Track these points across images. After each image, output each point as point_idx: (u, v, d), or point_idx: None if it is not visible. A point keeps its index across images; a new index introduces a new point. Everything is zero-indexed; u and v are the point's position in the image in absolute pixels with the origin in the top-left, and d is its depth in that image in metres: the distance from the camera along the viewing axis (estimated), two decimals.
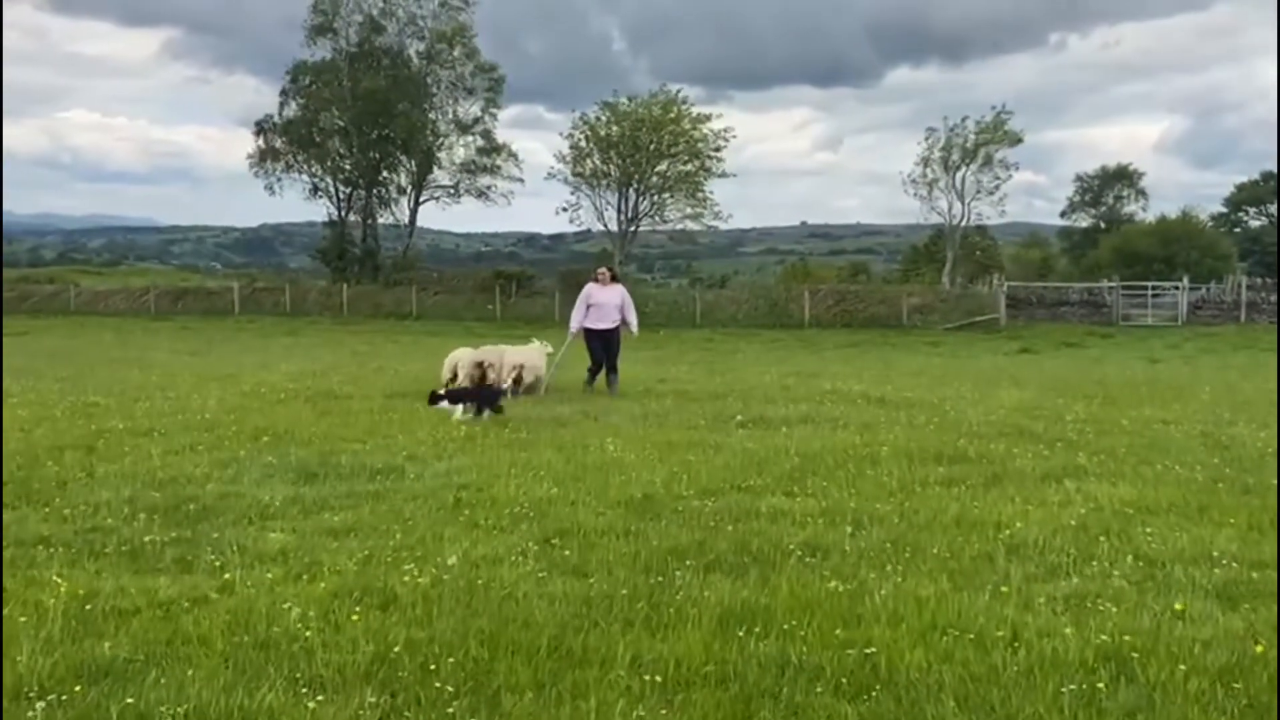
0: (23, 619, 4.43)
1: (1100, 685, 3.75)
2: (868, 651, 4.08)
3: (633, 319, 14.31)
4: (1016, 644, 4.22)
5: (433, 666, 3.94)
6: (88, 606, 4.65)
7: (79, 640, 4.25)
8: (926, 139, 48.37)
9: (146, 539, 5.88)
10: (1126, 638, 4.15)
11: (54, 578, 5.05)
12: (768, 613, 4.56)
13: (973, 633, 4.33)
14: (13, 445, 9.09)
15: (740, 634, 4.29)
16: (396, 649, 4.09)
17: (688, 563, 5.42)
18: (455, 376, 13.99)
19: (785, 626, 4.37)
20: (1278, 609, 4.64)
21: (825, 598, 4.78)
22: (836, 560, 5.51)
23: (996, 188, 48.26)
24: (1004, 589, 4.99)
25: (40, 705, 3.56)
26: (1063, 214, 77.03)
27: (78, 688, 3.72)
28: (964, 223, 49.50)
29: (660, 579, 5.12)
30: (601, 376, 14.22)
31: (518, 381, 13.32)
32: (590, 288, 14.26)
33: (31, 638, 4.22)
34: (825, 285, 47.08)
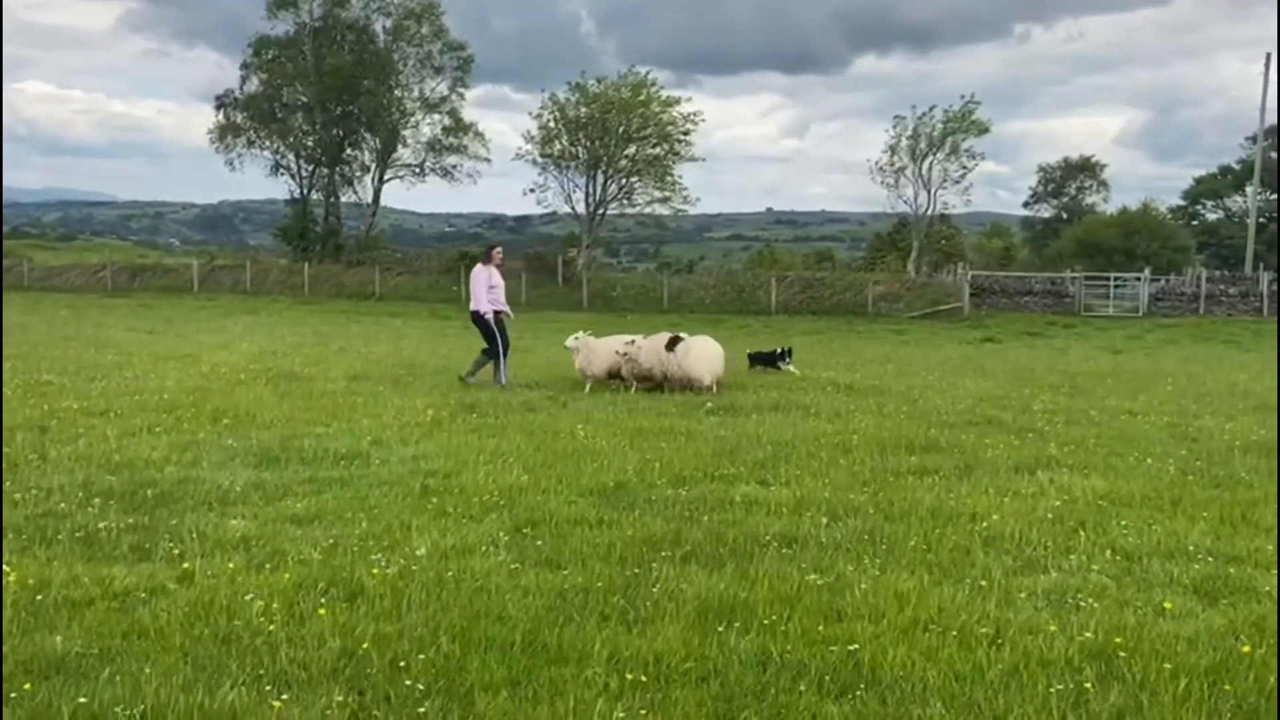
0: None
1: (1088, 685, 3.69)
2: (850, 648, 3.99)
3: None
4: (1000, 641, 4.15)
5: (402, 663, 3.80)
6: (38, 597, 4.46)
7: (29, 633, 4.06)
8: (894, 127, 48.50)
9: (101, 525, 5.66)
10: (1117, 639, 4.09)
11: (3, 566, 4.83)
12: (747, 607, 4.46)
13: (955, 629, 4.25)
14: None
15: (720, 629, 4.18)
16: (364, 645, 3.94)
17: (663, 554, 5.31)
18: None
19: (765, 621, 4.28)
20: (1279, 611, 4.62)
21: (804, 591, 4.69)
22: (814, 552, 5.42)
23: (962, 177, 48.50)
24: (983, 583, 4.93)
25: None
26: (1025, 204, 77.73)
27: (27, 685, 3.54)
28: (930, 211, 49.72)
29: (636, 571, 5.01)
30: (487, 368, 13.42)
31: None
32: (489, 269, 13.29)
33: None
34: (792, 272, 47.09)
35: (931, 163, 48.10)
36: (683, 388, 12.37)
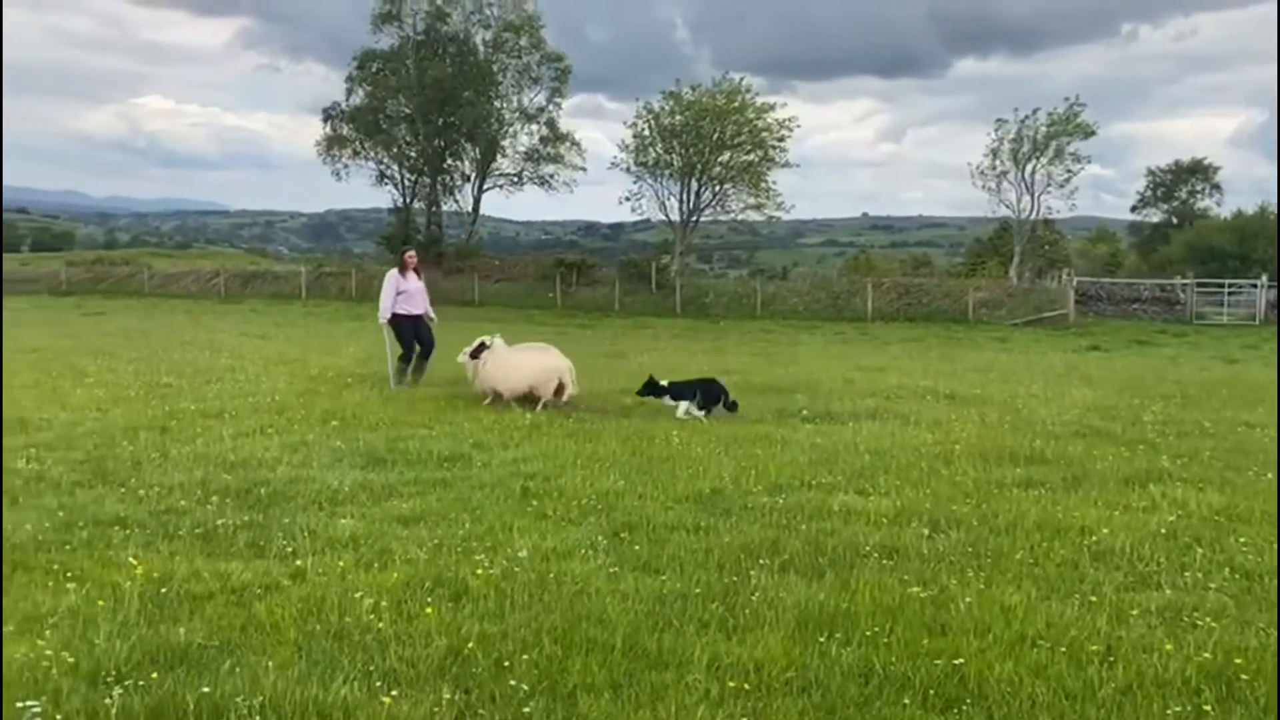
0: (100, 602, 4.44)
1: (1207, 708, 3.56)
2: (955, 662, 3.92)
3: (429, 307, 13.63)
4: (1112, 659, 4.03)
5: (506, 663, 3.87)
6: (163, 589, 4.66)
7: (154, 624, 4.25)
8: (996, 130, 47.40)
9: (219, 522, 5.90)
10: (1237, 660, 3.93)
11: (130, 559, 5.08)
12: (848, 618, 4.42)
13: (1064, 645, 4.15)
14: (90, 425, 9.27)
15: (821, 639, 4.15)
16: (470, 644, 4.03)
17: (761, 562, 5.30)
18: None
19: (867, 633, 4.23)
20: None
21: (906, 604, 4.63)
22: (916, 564, 5.34)
23: (1067, 181, 47.15)
24: (1094, 599, 4.80)
25: (117, 691, 3.55)
26: (1133, 208, 74.98)
27: (154, 674, 3.71)
28: (1033, 216, 48.42)
29: (734, 578, 5.01)
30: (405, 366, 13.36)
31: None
32: (400, 275, 13.22)
33: (109, 620, 4.24)
34: (889, 278, 46.38)
35: (1035, 166, 46.89)
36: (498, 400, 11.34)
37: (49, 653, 3.82)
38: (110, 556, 5.19)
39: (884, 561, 5.37)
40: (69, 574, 4.84)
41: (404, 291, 13.17)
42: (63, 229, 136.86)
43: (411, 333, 13.19)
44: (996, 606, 4.59)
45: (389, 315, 13.08)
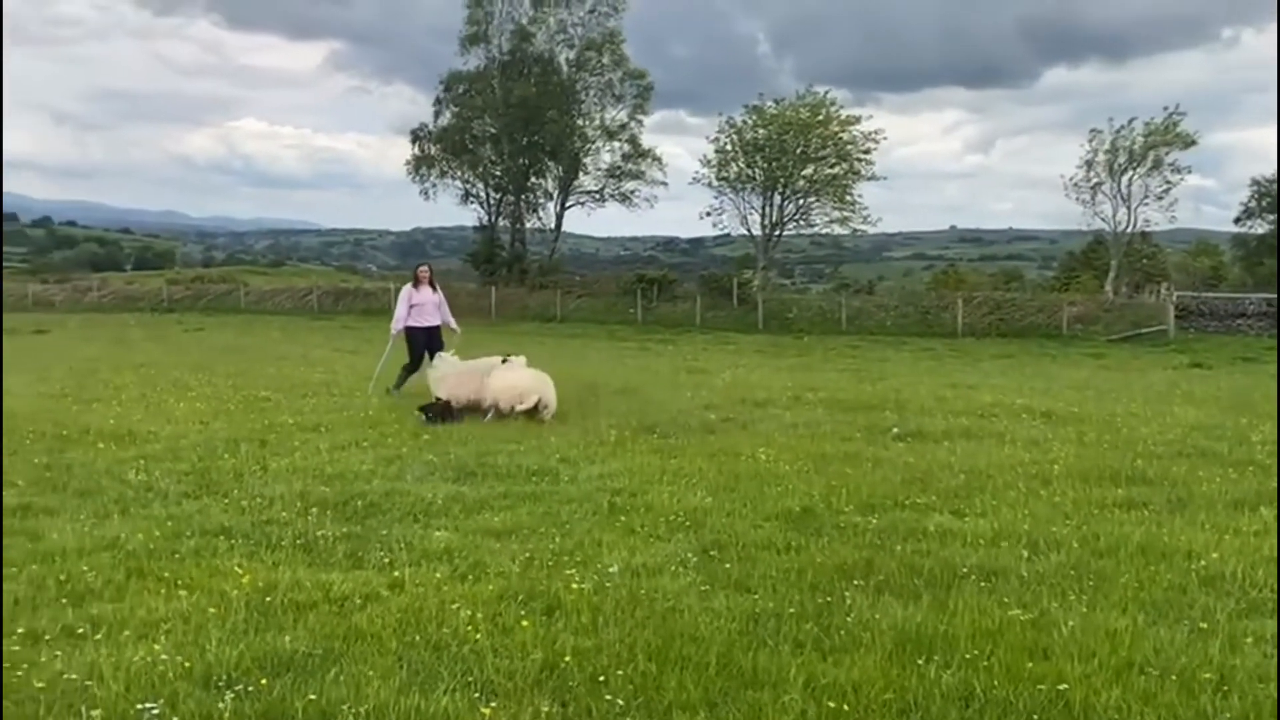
0: (210, 609, 4.60)
1: None
2: (1060, 688, 3.82)
3: (450, 318, 14.20)
4: (1226, 688, 3.89)
5: (601, 678, 3.89)
6: (267, 598, 4.80)
7: (261, 632, 4.38)
8: (1090, 141, 46.24)
9: (319, 533, 6.05)
10: None
11: (235, 568, 5.25)
12: (947, 640, 4.34)
13: (1175, 673, 4.01)
14: (193, 437, 9.61)
15: (919, 662, 4.08)
16: (566, 658, 4.06)
17: (855, 583, 5.23)
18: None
19: (967, 656, 4.15)
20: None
21: (1007, 627, 4.52)
22: (1015, 586, 5.21)
23: (1165, 192, 45.74)
24: (1204, 625, 4.62)
25: (229, 695, 3.67)
26: (1237, 220, 72.23)
27: (263, 680, 3.82)
28: (1130, 229, 47.04)
29: (828, 599, 4.95)
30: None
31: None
32: (414, 289, 13.90)
33: (218, 626, 4.39)
34: (980, 292, 45.45)
35: (1131, 177, 45.59)
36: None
37: (164, 657, 3.97)
38: (217, 565, 5.36)
39: (982, 583, 5.26)
40: (179, 581, 5.03)
41: (416, 304, 13.82)
42: (164, 248, 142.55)
43: (422, 344, 13.74)
44: (1101, 631, 4.46)
45: (401, 326, 13.78)
